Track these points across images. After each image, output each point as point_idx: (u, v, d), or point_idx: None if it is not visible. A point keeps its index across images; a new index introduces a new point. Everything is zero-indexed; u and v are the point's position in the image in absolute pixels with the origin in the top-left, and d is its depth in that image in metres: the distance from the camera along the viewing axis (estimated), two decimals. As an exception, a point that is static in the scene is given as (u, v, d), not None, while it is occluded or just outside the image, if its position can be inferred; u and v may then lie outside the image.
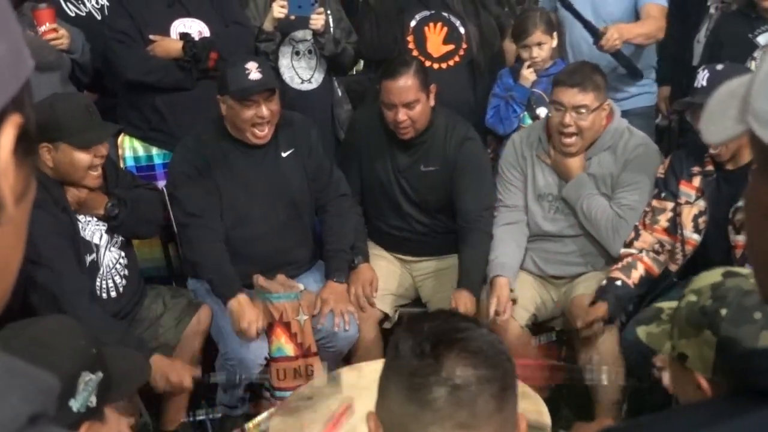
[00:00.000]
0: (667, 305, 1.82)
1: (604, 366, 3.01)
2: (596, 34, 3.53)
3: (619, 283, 3.06)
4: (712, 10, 3.90)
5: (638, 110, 3.74)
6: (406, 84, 3.21)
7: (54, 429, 0.62)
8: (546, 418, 2.39)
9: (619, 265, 3.11)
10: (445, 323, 1.19)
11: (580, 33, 3.69)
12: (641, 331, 1.82)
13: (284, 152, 3.29)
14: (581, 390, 3.17)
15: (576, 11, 3.59)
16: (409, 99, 3.21)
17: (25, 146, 0.63)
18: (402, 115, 3.22)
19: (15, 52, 0.61)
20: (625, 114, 3.40)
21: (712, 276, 1.67)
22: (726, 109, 0.76)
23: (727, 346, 1.56)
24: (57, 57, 3.45)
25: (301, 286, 3.23)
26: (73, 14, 3.76)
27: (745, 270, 1.70)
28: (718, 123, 0.77)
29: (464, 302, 3.17)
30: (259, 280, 3.17)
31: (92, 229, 2.97)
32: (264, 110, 3.09)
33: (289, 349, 3.12)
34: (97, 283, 2.98)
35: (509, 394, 1.14)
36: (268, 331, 3.13)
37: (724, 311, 1.58)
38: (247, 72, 3.06)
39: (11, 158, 0.60)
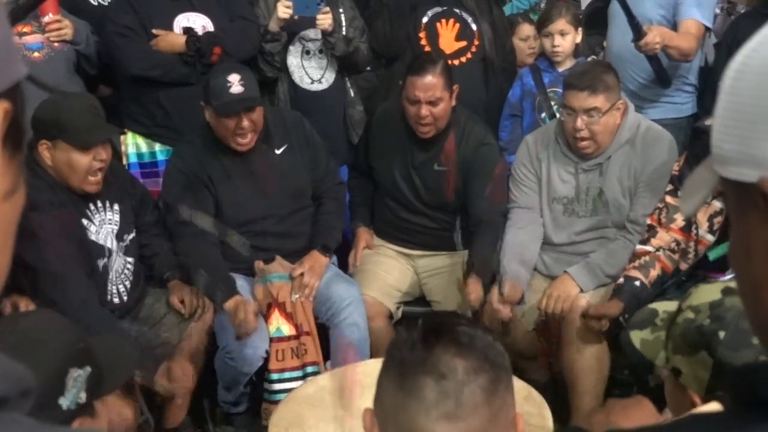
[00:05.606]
0: (662, 307, 1.76)
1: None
2: (639, 32, 3.40)
3: (637, 283, 2.99)
4: (717, 10, 3.79)
5: (666, 121, 3.61)
6: (432, 81, 3.19)
7: (15, 416, 0.57)
8: (549, 422, 2.35)
9: (636, 263, 3.04)
10: (441, 318, 1.23)
11: (622, 38, 3.58)
12: (635, 337, 1.76)
13: (278, 149, 3.28)
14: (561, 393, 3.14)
15: (626, 4, 3.39)
16: (434, 96, 3.19)
17: (14, 142, 0.61)
18: (425, 110, 3.20)
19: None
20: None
21: (710, 292, 1.61)
22: (697, 180, 0.77)
23: (723, 370, 1.51)
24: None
25: None
26: (95, 3, 3.71)
27: None
28: (694, 195, 0.79)
29: (475, 290, 3.12)
30: (260, 264, 3.21)
31: (105, 233, 2.94)
32: (245, 122, 3.08)
33: (285, 329, 3.16)
34: (107, 288, 2.95)
35: (501, 389, 1.13)
36: (267, 313, 3.15)
37: (722, 334, 1.52)
38: (229, 85, 3.03)
39: None
